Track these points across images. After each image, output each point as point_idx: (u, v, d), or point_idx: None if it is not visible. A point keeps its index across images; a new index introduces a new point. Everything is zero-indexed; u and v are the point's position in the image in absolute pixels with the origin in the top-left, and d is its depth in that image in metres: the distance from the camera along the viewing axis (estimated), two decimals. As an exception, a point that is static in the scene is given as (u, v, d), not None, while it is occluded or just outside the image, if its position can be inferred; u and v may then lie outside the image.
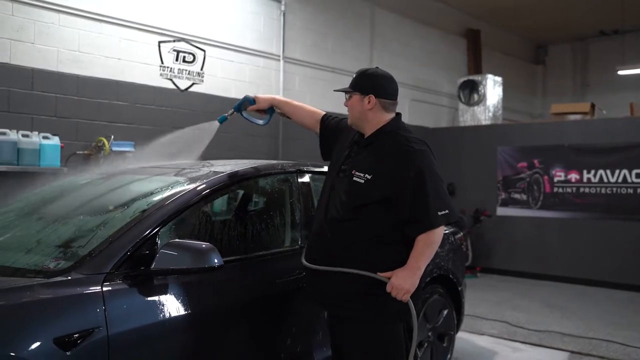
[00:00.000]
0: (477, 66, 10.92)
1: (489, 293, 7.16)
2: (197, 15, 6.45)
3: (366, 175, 2.50)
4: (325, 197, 2.67)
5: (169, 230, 2.50)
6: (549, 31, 12.45)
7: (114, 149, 5.41)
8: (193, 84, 6.43)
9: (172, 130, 6.04)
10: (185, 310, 2.35)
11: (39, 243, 2.45)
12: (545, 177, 8.31)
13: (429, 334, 3.73)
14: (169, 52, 6.17)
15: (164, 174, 3.11)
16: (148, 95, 5.98)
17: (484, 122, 9.52)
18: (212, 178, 2.78)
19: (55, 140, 5.05)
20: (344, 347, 2.64)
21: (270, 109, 3.14)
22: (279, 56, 7.35)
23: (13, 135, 4.80)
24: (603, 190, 7.82)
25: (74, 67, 5.38)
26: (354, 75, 2.70)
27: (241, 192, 3.47)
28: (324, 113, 3.11)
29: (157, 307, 2.27)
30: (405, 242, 2.49)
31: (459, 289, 4.07)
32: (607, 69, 11.85)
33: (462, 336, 4.95)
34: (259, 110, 3.10)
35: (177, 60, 6.25)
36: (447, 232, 4.23)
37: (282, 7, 7.36)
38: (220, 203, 3.50)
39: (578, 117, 8.56)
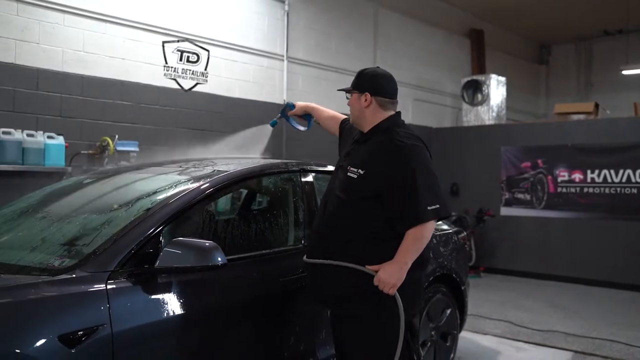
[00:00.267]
0: (480, 66, 10.92)
1: (493, 293, 7.16)
2: (201, 15, 6.47)
3: (359, 171, 2.55)
4: (326, 194, 2.75)
5: (173, 228, 2.51)
6: (553, 31, 12.43)
7: (119, 148, 5.44)
8: (197, 83, 6.44)
9: (176, 130, 6.18)
10: (189, 308, 2.36)
11: (43, 241, 2.47)
12: (549, 177, 8.30)
13: (432, 333, 3.74)
14: (173, 52, 6.19)
15: (167, 172, 3.13)
16: (152, 95, 6.00)
17: (487, 122, 9.51)
18: (215, 177, 2.80)
19: (59, 140, 5.08)
20: (345, 345, 2.65)
21: (308, 115, 3.31)
22: (282, 56, 7.37)
23: (18, 134, 4.83)
24: (607, 190, 7.80)
25: (79, 67, 5.40)
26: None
27: (245, 191, 3.49)
28: (344, 117, 3.18)
29: (161, 305, 2.28)
30: (402, 238, 2.50)
31: (462, 288, 4.08)
32: (611, 69, 11.82)
33: (465, 336, 4.95)
34: (299, 117, 3.30)
35: (181, 60, 6.26)
36: (450, 231, 4.24)
37: (286, 7, 7.37)
38: (224, 202, 3.51)
39: (582, 117, 8.55)
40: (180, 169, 3.17)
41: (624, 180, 7.65)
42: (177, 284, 2.35)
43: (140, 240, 2.32)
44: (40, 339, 1.92)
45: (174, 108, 6.21)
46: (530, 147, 8.53)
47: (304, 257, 2.69)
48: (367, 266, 2.48)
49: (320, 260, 2.59)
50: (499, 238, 8.71)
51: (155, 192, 2.70)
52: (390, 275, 2.43)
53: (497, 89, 9.73)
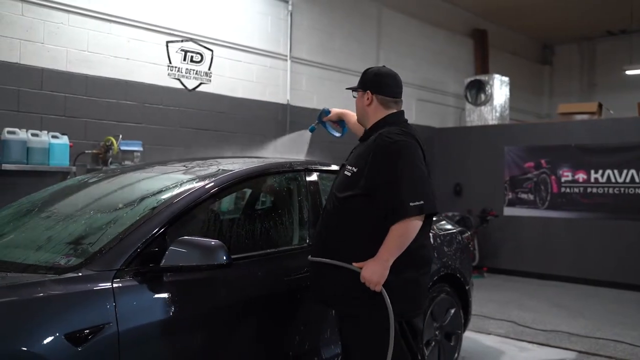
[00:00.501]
0: (484, 66, 10.91)
1: (496, 293, 7.15)
2: (205, 15, 6.48)
3: (353, 169, 2.59)
4: (329, 194, 2.79)
5: (178, 227, 2.52)
6: (556, 31, 12.42)
7: (123, 148, 5.45)
8: (201, 83, 6.45)
9: (180, 129, 6.19)
10: (195, 306, 2.37)
11: (49, 240, 2.48)
12: (553, 177, 8.29)
13: (436, 332, 3.74)
14: (176, 52, 6.21)
15: (173, 172, 3.14)
16: (156, 95, 6.02)
17: (491, 122, 9.51)
18: (221, 176, 2.80)
19: (64, 140, 5.10)
20: (346, 343, 2.68)
21: (342, 122, 3.34)
22: (286, 56, 7.37)
23: (23, 134, 4.85)
24: (611, 190, 7.79)
25: (83, 66, 5.42)
26: None
27: (250, 190, 3.49)
28: None
29: (167, 303, 2.29)
30: (418, 236, 2.49)
31: (467, 288, 4.07)
32: (615, 69, 11.79)
33: (469, 335, 4.95)
34: (334, 122, 3.33)
35: (185, 60, 6.28)
36: (454, 231, 4.24)
37: (290, 7, 7.38)
38: (229, 201, 3.52)
39: (585, 117, 8.53)
40: (185, 168, 3.18)
41: (627, 180, 7.64)
42: (183, 283, 2.36)
43: (146, 239, 2.33)
44: (47, 337, 1.93)
45: (178, 108, 6.22)
46: (533, 147, 8.52)
47: (309, 257, 2.71)
48: (353, 264, 2.48)
49: (317, 258, 2.62)
50: (502, 238, 8.70)
51: (160, 191, 2.71)
52: (372, 273, 2.42)
53: (500, 89, 9.72)
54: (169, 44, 6.16)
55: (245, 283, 2.65)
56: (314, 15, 7.83)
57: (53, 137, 5.03)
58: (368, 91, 2.69)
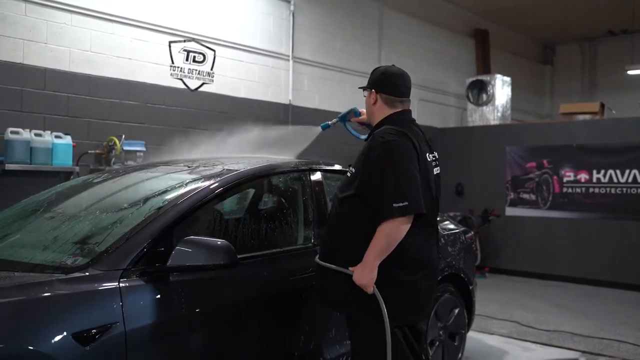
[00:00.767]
0: (485, 66, 10.91)
1: (498, 293, 7.15)
2: (207, 15, 6.49)
3: (352, 169, 2.61)
4: None
5: (184, 227, 2.52)
6: (557, 31, 12.42)
7: (125, 148, 5.45)
8: (203, 83, 6.46)
9: (182, 129, 6.18)
10: (201, 306, 2.37)
11: (55, 240, 2.48)
12: (555, 177, 8.29)
13: (440, 332, 3.74)
14: (179, 52, 6.21)
15: (177, 171, 3.14)
16: (159, 95, 6.02)
17: (492, 122, 9.50)
18: (226, 176, 2.80)
19: (67, 140, 5.10)
20: (351, 345, 2.67)
21: (369, 125, 3.16)
22: (288, 56, 7.38)
23: (26, 134, 4.85)
24: (613, 191, 7.79)
25: (86, 67, 5.42)
26: None
27: (255, 190, 3.49)
28: None
29: (173, 303, 2.29)
30: (407, 239, 2.42)
31: (470, 288, 4.07)
32: (616, 69, 11.80)
33: (472, 335, 4.94)
34: (361, 124, 3.20)
35: (187, 60, 6.28)
36: (457, 231, 4.24)
37: (292, 8, 7.38)
38: (234, 201, 3.51)
39: (587, 117, 8.53)
40: (190, 167, 3.18)
41: (630, 180, 7.63)
42: (189, 283, 2.36)
43: (152, 238, 2.33)
44: (55, 337, 1.93)
45: (181, 108, 6.22)
46: (535, 147, 8.52)
47: (315, 258, 2.71)
48: (350, 268, 2.46)
49: (318, 261, 2.62)
50: (504, 238, 8.70)
51: (165, 191, 2.71)
52: (360, 276, 2.41)
53: (502, 89, 9.72)
54: (172, 44, 6.16)
55: (250, 283, 2.65)
56: (316, 16, 7.83)
57: (56, 137, 5.03)
58: (373, 90, 2.68)
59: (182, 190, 2.66)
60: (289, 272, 2.84)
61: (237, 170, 2.91)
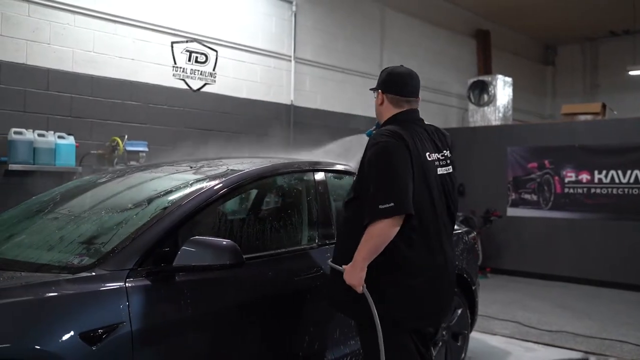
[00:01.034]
0: (486, 67, 10.91)
1: (500, 293, 7.15)
2: (210, 16, 6.50)
3: (356, 170, 2.62)
4: None
5: (190, 227, 2.53)
6: (558, 31, 12.43)
7: (128, 148, 5.46)
8: (205, 84, 6.46)
9: (184, 130, 6.20)
10: (207, 306, 2.38)
11: (61, 240, 2.49)
12: (556, 177, 8.29)
13: (444, 333, 3.74)
14: (181, 52, 6.22)
15: (181, 172, 3.14)
16: (161, 96, 6.03)
17: (494, 123, 9.51)
18: (231, 176, 2.81)
19: (70, 140, 5.11)
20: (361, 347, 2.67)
21: None
22: (290, 57, 7.38)
23: (29, 134, 4.86)
24: (614, 191, 7.79)
25: (89, 67, 5.43)
26: None
27: (260, 190, 3.49)
28: None
29: (179, 303, 2.29)
30: (404, 241, 2.41)
31: (473, 288, 4.08)
32: (618, 70, 11.80)
33: (474, 336, 4.94)
34: None
35: (189, 60, 6.29)
36: (460, 231, 4.24)
37: (294, 8, 7.39)
38: (239, 201, 3.52)
39: (589, 117, 8.54)
40: (194, 168, 3.19)
41: (631, 180, 7.63)
42: (195, 283, 2.36)
43: (158, 238, 2.34)
44: (63, 336, 1.94)
45: (183, 108, 6.23)
46: (537, 148, 8.52)
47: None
48: (344, 266, 2.47)
49: (328, 263, 2.65)
50: (506, 239, 8.70)
51: (170, 191, 2.72)
52: (349, 277, 2.42)
53: (503, 89, 9.73)
54: (174, 45, 6.17)
55: (256, 283, 2.66)
56: (318, 16, 7.84)
57: (59, 137, 5.04)
58: (380, 90, 2.68)
59: (187, 191, 2.67)
60: (293, 273, 2.85)
61: (241, 171, 2.91)
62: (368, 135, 3.09)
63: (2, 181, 4.79)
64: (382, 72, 2.73)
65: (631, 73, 11.01)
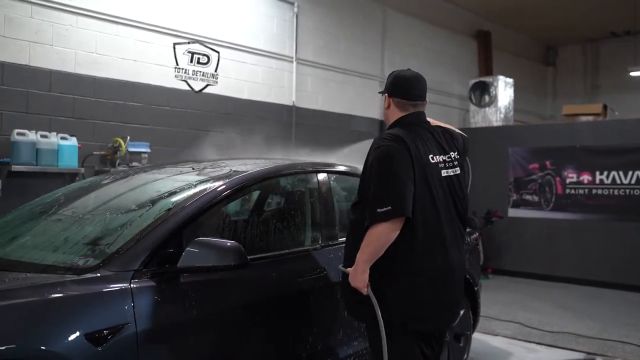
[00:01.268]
0: (487, 67, 10.92)
1: (501, 294, 7.16)
2: (211, 17, 6.51)
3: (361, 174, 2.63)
4: None
5: (194, 228, 2.53)
6: (559, 32, 12.43)
7: (130, 149, 5.47)
8: (207, 85, 6.47)
9: (186, 131, 6.21)
10: (211, 307, 2.39)
11: (66, 241, 2.50)
12: (557, 178, 8.29)
13: (446, 333, 3.74)
14: (183, 53, 6.23)
15: (185, 173, 3.15)
16: (163, 97, 6.04)
17: (495, 124, 9.51)
18: (234, 177, 2.82)
19: (72, 141, 5.12)
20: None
21: None
22: (291, 57, 7.39)
23: (32, 135, 4.87)
24: (616, 192, 7.79)
25: (91, 68, 5.44)
26: None
27: (263, 192, 3.50)
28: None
29: (184, 304, 2.30)
30: (404, 243, 2.41)
31: (475, 289, 4.08)
32: (619, 71, 11.80)
33: (476, 337, 4.94)
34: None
35: (191, 61, 6.30)
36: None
37: (295, 9, 7.40)
38: (243, 202, 3.53)
39: (590, 118, 8.54)
40: (197, 169, 3.20)
41: (632, 181, 7.64)
42: (200, 284, 2.37)
43: (163, 240, 2.35)
44: (68, 337, 1.95)
45: (185, 109, 6.24)
46: (538, 149, 8.53)
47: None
48: (349, 269, 2.50)
49: (339, 267, 2.66)
50: (507, 239, 8.70)
51: (175, 193, 2.73)
52: (352, 279, 2.45)
53: (504, 90, 9.73)
54: (176, 46, 6.18)
55: (259, 284, 2.67)
56: (319, 17, 7.85)
57: (62, 138, 5.05)
58: (386, 94, 2.70)
59: (191, 192, 2.68)
60: (297, 274, 2.86)
61: (245, 172, 2.92)
62: None
63: (5, 182, 4.80)
64: (389, 75, 2.73)
65: (632, 74, 11.02)
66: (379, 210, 2.33)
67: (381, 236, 2.34)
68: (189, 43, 6.28)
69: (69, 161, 5.06)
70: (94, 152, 5.40)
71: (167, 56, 6.09)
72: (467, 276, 3.96)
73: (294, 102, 7.40)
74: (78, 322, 1.99)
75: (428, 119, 2.72)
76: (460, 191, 2.63)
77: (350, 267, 2.49)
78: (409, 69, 2.74)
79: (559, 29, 12.10)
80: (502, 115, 9.62)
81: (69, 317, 1.99)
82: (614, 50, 12.71)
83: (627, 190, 7.69)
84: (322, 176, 3.30)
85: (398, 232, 2.36)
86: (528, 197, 8.60)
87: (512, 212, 8.72)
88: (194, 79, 6.33)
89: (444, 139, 2.65)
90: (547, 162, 8.39)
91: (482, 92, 9.68)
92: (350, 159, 3.74)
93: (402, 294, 2.47)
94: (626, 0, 10.07)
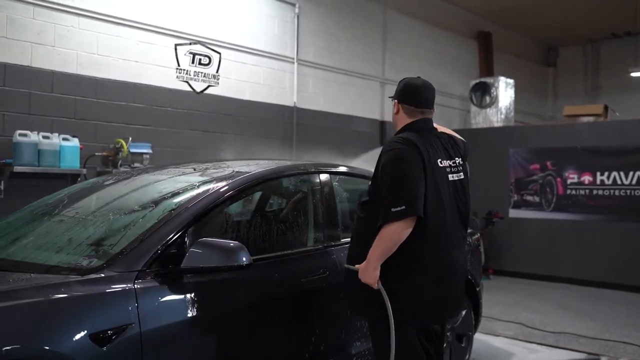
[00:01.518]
0: (488, 68, 10.93)
1: (502, 295, 7.16)
2: (213, 18, 6.51)
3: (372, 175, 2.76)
4: None
5: (198, 229, 2.54)
6: (560, 33, 12.44)
7: (132, 150, 5.48)
8: (209, 86, 6.48)
9: (188, 131, 6.22)
10: (215, 307, 2.39)
11: (70, 241, 2.50)
12: (558, 179, 8.30)
13: (448, 334, 3.75)
14: (185, 54, 6.23)
15: (188, 174, 3.16)
16: (164, 98, 6.05)
17: (496, 124, 9.52)
18: (237, 178, 2.83)
19: (74, 142, 5.12)
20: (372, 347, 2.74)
21: None
22: (293, 58, 7.40)
23: (34, 136, 4.87)
24: (617, 192, 7.80)
25: (93, 69, 5.45)
26: None
27: (266, 192, 3.51)
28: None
29: (187, 304, 2.31)
30: (415, 241, 2.51)
31: (477, 289, 4.09)
32: (619, 71, 11.81)
33: (477, 337, 4.95)
34: None
35: (193, 62, 6.31)
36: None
37: (296, 10, 7.41)
38: (246, 203, 3.54)
39: (591, 119, 8.55)
40: (200, 170, 3.21)
41: (634, 182, 7.64)
42: (203, 284, 2.38)
43: (166, 240, 2.35)
44: (73, 337, 1.95)
45: (186, 110, 6.24)
46: (539, 149, 8.53)
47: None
48: (357, 265, 2.59)
49: (345, 266, 2.74)
50: (508, 240, 8.70)
51: (178, 193, 2.74)
52: (363, 275, 2.55)
53: (505, 91, 9.74)
54: (178, 47, 6.18)
55: (262, 284, 2.67)
56: (320, 18, 7.86)
57: (64, 139, 5.05)
58: (395, 100, 2.81)
59: (194, 193, 2.68)
60: (299, 274, 2.86)
61: (247, 173, 2.93)
62: None
63: (8, 183, 4.81)
64: (400, 82, 2.86)
65: (633, 75, 11.02)
66: (393, 209, 2.44)
67: (394, 235, 2.45)
68: (190, 44, 6.29)
69: (71, 162, 5.06)
70: (96, 153, 5.40)
71: (168, 57, 6.10)
72: (469, 277, 3.96)
73: (295, 103, 7.41)
74: (82, 322, 2.00)
75: (435, 125, 2.85)
76: (464, 195, 2.77)
77: (355, 264, 2.59)
78: (419, 77, 2.87)
79: (560, 29, 12.11)
80: (503, 116, 9.62)
81: (73, 317, 2.00)
82: (615, 51, 12.72)
83: (628, 191, 7.70)
84: (324, 176, 3.31)
85: (410, 230, 2.47)
86: (529, 197, 8.60)
87: (513, 213, 8.72)
88: (195, 79, 6.34)
89: (449, 145, 2.77)
90: (548, 163, 8.39)
91: (483, 92, 9.69)
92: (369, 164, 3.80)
93: (412, 290, 2.58)
94: (627, 1, 10.08)
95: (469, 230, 4.38)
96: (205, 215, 2.57)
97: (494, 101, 9.58)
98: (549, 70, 13.69)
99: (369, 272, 2.51)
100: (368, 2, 8.65)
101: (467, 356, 3.99)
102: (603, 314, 6.26)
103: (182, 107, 6.21)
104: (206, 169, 3.23)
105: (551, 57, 13.73)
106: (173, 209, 2.52)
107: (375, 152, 8.30)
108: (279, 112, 7.26)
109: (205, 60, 6.43)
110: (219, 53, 6.57)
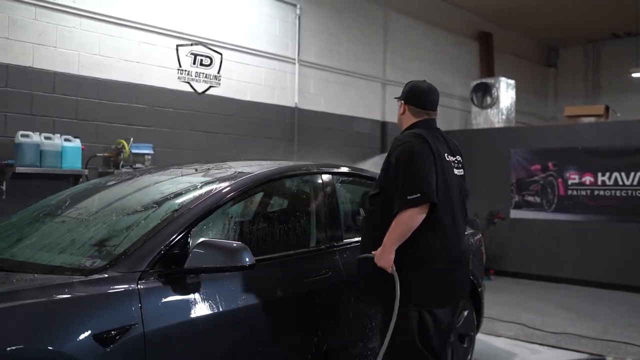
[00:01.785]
0: (489, 69, 10.93)
1: (504, 295, 7.16)
2: (214, 19, 6.52)
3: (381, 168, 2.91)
4: None
5: (200, 229, 2.54)
6: (561, 33, 12.45)
7: (134, 151, 5.48)
8: (210, 86, 6.49)
9: (189, 132, 6.23)
10: (218, 308, 2.39)
11: (73, 242, 2.51)
12: (559, 179, 8.29)
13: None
14: (186, 55, 6.24)
15: (190, 174, 3.16)
16: (166, 98, 6.06)
17: (497, 125, 9.52)
18: (240, 179, 2.83)
19: (76, 143, 5.13)
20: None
21: None
22: (294, 59, 7.41)
23: (36, 137, 4.88)
24: (618, 193, 7.79)
25: (95, 70, 5.46)
26: None
27: (269, 193, 3.51)
28: None
29: (191, 304, 2.31)
30: (428, 229, 2.67)
31: (479, 290, 4.09)
32: (620, 72, 11.81)
33: (479, 338, 4.94)
34: None
35: (194, 63, 6.31)
36: (466, 233, 4.24)
37: (298, 11, 7.42)
38: (249, 203, 3.54)
39: (592, 119, 8.55)
40: (202, 171, 3.21)
41: (635, 182, 7.64)
42: (206, 284, 2.38)
43: (170, 241, 2.35)
44: (77, 338, 1.95)
45: (188, 111, 6.25)
46: (540, 150, 8.53)
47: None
48: (373, 252, 2.74)
49: (358, 257, 2.88)
50: (509, 241, 8.69)
51: (181, 194, 2.74)
52: (379, 258, 2.70)
53: (506, 91, 9.74)
54: (179, 48, 6.19)
55: (266, 285, 2.67)
56: (321, 19, 7.87)
57: (66, 140, 5.07)
58: (402, 101, 3.00)
59: (197, 193, 2.69)
60: (302, 274, 2.87)
61: (250, 173, 2.93)
62: None
63: (10, 184, 4.82)
64: (406, 84, 3.05)
65: (634, 75, 11.02)
66: (409, 197, 2.62)
67: (411, 220, 2.63)
68: (191, 45, 6.30)
69: (73, 163, 5.07)
70: (98, 154, 5.41)
71: (170, 58, 6.11)
72: (471, 277, 3.96)
73: (296, 103, 7.42)
74: (86, 322, 2.00)
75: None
76: (464, 190, 2.98)
77: (373, 251, 2.74)
78: (424, 81, 3.06)
79: (560, 30, 12.12)
80: (504, 117, 9.63)
81: (76, 317, 2.00)
82: (615, 52, 12.72)
83: (629, 192, 7.70)
84: (326, 177, 3.31)
85: (424, 216, 2.65)
86: (530, 198, 8.60)
87: (514, 214, 8.72)
88: (196, 80, 6.35)
89: (452, 144, 2.97)
90: (549, 164, 8.39)
91: (483, 93, 9.69)
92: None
93: (425, 275, 2.74)
94: (627, 1, 10.08)
95: (471, 231, 4.43)
96: (208, 216, 2.57)
97: (495, 102, 9.58)
98: (549, 71, 13.69)
99: (385, 255, 2.67)
100: (369, 3, 8.65)
101: (470, 356, 4.00)
102: (604, 315, 6.26)
103: (184, 107, 6.22)
104: (208, 169, 3.23)
105: (552, 57, 13.74)
106: (176, 210, 2.52)
107: (376, 153, 8.30)
108: (280, 113, 7.27)
109: (206, 61, 6.44)
110: (220, 54, 6.58)
